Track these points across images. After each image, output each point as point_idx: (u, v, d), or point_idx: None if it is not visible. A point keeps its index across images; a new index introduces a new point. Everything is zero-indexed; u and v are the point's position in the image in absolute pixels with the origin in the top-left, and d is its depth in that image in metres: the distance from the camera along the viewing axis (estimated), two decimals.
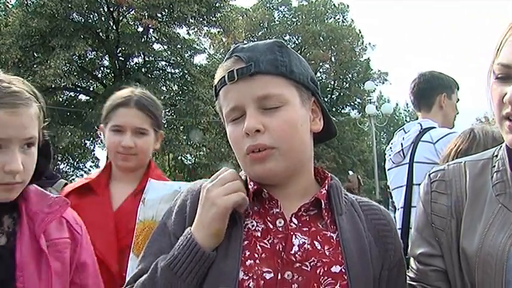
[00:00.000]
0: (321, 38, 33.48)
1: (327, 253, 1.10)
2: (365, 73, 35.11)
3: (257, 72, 1.11)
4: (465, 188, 1.15)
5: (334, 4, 35.40)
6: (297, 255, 1.08)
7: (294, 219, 1.13)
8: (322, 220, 1.14)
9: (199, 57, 43.10)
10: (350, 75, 35.83)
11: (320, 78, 33.07)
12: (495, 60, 1.08)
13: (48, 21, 20.58)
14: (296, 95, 1.15)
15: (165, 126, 23.68)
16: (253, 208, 1.14)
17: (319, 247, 1.10)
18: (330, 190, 1.17)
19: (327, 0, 35.12)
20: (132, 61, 24.57)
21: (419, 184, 1.72)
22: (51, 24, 20.72)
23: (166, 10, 22.88)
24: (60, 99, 24.23)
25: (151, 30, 23.85)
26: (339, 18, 35.77)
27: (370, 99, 32.33)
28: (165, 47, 24.52)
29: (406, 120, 50.28)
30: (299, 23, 34.52)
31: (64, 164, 25.48)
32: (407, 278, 1.21)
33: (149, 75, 23.85)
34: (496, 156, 1.16)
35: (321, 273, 1.07)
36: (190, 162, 27.39)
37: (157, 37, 24.54)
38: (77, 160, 25.57)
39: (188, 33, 24.93)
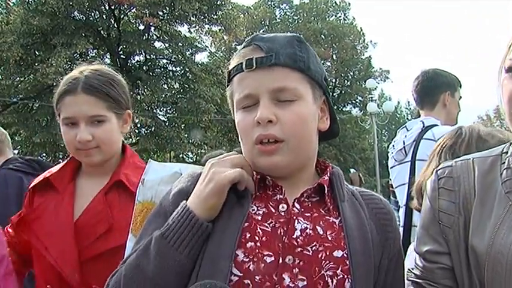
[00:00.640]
0: (322, 36, 33.43)
1: (330, 238, 1.10)
2: (366, 71, 35.07)
3: (276, 64, 1.11)
4: (474, 184, 1.13)
5: (335, 2, 35.36)
6: (298, 239, 1.08)
7: (296, 205, 1.13)
8: (324, 206, 1.14)
9: (200, 55, 42.98)
10: (351, 73, 35.79)
11: None
12: (507, 55, 1.08)
13: (49, 19, 20.58)
14: (310, 92, 1.15)
15: (167, 124, 23.70)
16: (256, 193, 1.14)
17: (321, 232, 1.10)
18: (332, 177, 1.18)
19: None
20: (134, 59, 24.58)
21: None
22: (52, 22, 20.72)
23: (167, 8, 22.86)
24: None
25: (152, 28, 23.84)
26: (340, 16, 35.72)
27: (371, 97, 32.18)
28: (167, 45, 24.51)
29: (407, 118, 50.22)
30: (300, 21, 34.48)
31: None
32: (413, 275, 1.20)
33: (150, 74, 23.84)
34: (506, 153, 1.15)
35: (322, 258, 1.07)
36: (191, 161, 27.38)
37: (158, 35, 24.53)
38: None
39: (189, 31, 24.93)
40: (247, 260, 1.05)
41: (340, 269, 1.07)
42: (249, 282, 1.03)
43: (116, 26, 23.09)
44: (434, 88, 3.05)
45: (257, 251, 1.06)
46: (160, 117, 24.59)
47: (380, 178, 20.24)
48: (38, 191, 1.77)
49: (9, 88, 21.93)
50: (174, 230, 1.05)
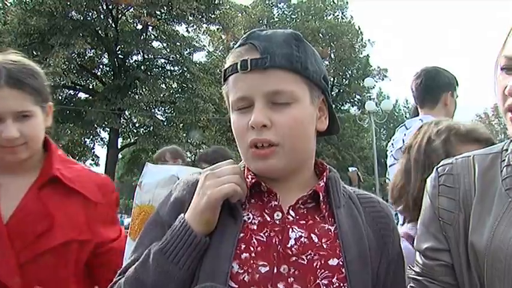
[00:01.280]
0: (320, 35, 33.42)
1: (325, 246, 1.09)
2: (364, 70, 35.09)
3: (271, 66, 1.08)
4: (474, 182, 1.13)
5: (333, 1, 35.34)
6: (293, 248, 1.07)
7: (291, 212, 1.12)
8: (320, 213, 1.12)
9: (198, 54, 42.85)
10: (349, 72, 35.80)
11: None
12: (501, 52, 1.08)
13: (47, 19, 20.56)
14: (307, 93, 1.12)
15: (165, 124, 23.68)
16: (251, 201, 1.13)
17: (316, 240, 1.09)
18: (328, 182, 1.16)
19: None
20: (131, 59, 24.55)
21: None
22: (50, 22, 20.71)
23: (165, 7, 22.85)
24: (60, 98, 24.18)
25: (150, 27, 23.83)
26: (338, 15, 35.71)
27: (369, 96, 32.31)
28: (164, 44, 24.50)
29: (405, 117, 50.17)
30: (298, 20, 34.45)
31: None
32: (413, 272, 1.20)
33: (148, 73, 23.82)
34: (506, 150, 1.15)
35: (317, 266, 1.07)
36: (190, 160, 27.38)
37: (156, 35, 24.51)
38: (77, 158, 25.42)
39: (187, 30, 24.93)
40: (241, 271, 1.05)
41: (335, 277, 1.06)
42: None
43: (113, 25, 23.06)
44: (437, 88, 3.05)
45: (252, 261, 1.06)
46: (158, 116, 24.58)
47: (378, 176, 20.25)
48: None
49: None
50: (173, 246, 1.05)
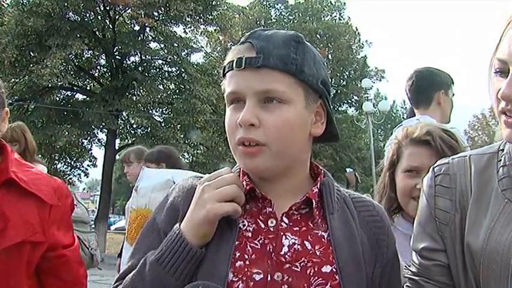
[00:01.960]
0: (317, 36, 33.45)
1: (318, 253, 1.09)
2: (362, 70, 35.09)
3: (264, 66, 1.08)
4: (470, 182, 1.14)
5: (330, 2, 35.38)
6: (286, 256, 1.08)
7: (284, 219, 1.11)
8: (313, 219, 1.12)
9: (196, 55, 42.93)
10: (347, 73, 35.82)
11: None
12: (494, 54, 1.09)
13: (44, 20, 20.51)
14: (301, 96, 1.11)
15: (162, 125, 23.66)
16: (246, 206, 1.13)
17: (309, 247, 1.09)
18: (322, 188, 1.15)
19: None
20: (129, 60, 24.52)
21: None
22: (47, 23, 20.65)
23: (162, 8, 22.82)
24: (57, 99, 24.15)
25: (147, 28, 23.79)
26: (335, 16, 35.74)
27: (367, 97, 32.23)
28: (162, 45, 24.46)
29: (403, 117, 50.09)
30: (296, 21, 34.49)
31: (61, 163, 25.39)
32: (409, 272, 1.20)
33: (146, 74, 23.79)
34: (502, 150, 1.15)
35: (311, 274, 1.07)
36: (187, 161, 27.36)
37: (153, 36, 24.49)
38: (74, 159, 25.46)
39: (185, 31, 24.88)
40: (236, 279, 1.05)
41: (329, 284, 1.06)
42: None
43: (111, 26, 23.03)
44: (429, 87, 3.05)
45: (246, 269, 1.06)
46: (156, 117, 24.56)
47: (376, 177, 20.26)
48: None
49: (4, 89, 21.82)
50: (169, 257, 1.05)
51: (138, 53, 23.80)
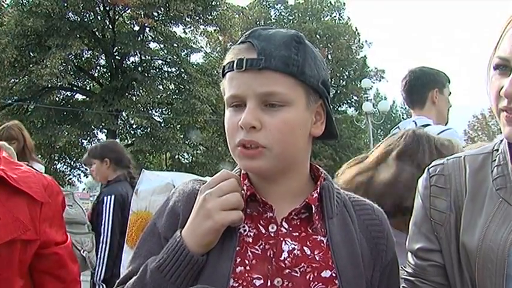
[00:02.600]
0: (317, 36, 33.47)
1: (317, 258, 1.09)
2: (362, 71, 35.12)
3: (266, 68, 1.06)
4: (465, 182, 1.14)
5: (330, 2, 35.41)
6: (286, 261, 1.07)
7: (284, 224, 1.11)
8: (313, 224, 1.12)
9: (195, 55, 42.98)
10: (347, 73, 35.85)
11: None
12: (494, 53, 1.09)
13: (44, 20, 20.55)
14: (302, 97, 1.10)
15: (162, 125, 23.68)
16: (246, 211, 1.12)
17: (308, 252, 1.09)
18: (322, 192, 1.15)
19: None
20: (129, 60, 24.56)
21: None
22: (47, 23, 20.69)
23: (162, 9, 22.86)
24: (57, 99, 24.18)
25: (147, 29, 23.83)
26: (335, 16, 35.78)
27: (367, 97, 32.23)
28: (162, 45, 24.51)
29: (403, 118, 50.20)
30: (295, 21, 34.51)
31: (61, 163, 25.42)
32: (405, 273, 1.20)
33: (146, 74, 23.82)
34: (497, 150, 1.16)
35: (311, 279, 1.07)
36: (187, 161, 27.37)
37: (153, 36, 24.53)
38: (74, 160, 25.47)
39: (184, 31, 24.94)
40: (236, 285, 1.05)
41: None
42: None
43: (110, 27, 23.06)
44: (422, 86, 3.05)
45: (246, 275, 1.06)
46: (155, 118, 24.59)
47: None
48: None
49: (4, 90, 21.86)
50: (170, 265, 1.05)
51: (138, 53, 23.84)
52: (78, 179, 26.51)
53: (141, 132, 24.01)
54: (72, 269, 1.82)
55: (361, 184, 1.70)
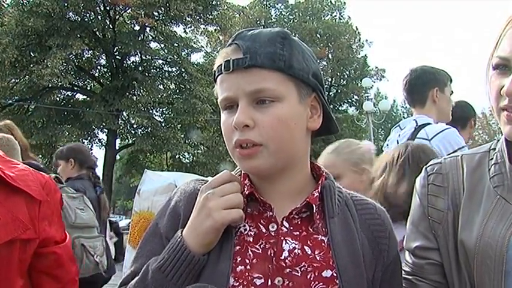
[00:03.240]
0: (317, 35, 33.48)
1: (318, 257, 1.09)
2: (362, 70, 35.11)
3: (252, 66, 1.07)
4: (462, 180, 1.15)
5: (330, 1, 35.41)
6: (287, 260, 1.07)
7: (285, 223, 1.11)
8: (313, 223, 1.12)
9: (196, 55, 43.07)
10: (347, 72, 35.84)
11: None
12: (494, 53, 1.10)
13: (44, 20, 20.56)
14: (293, 91, 1.10)
15: (163, 125, 23.69)
16: (247, 210, 1.12)
17: (309, 252, 1.09)
18: (323, 191, 1.15)
19: None
20: (129, 60, 24.58)
21: None
22: (47, 23, 20.70)
23: (162, 8, 22.87)
24: (58, 99, 24.20)
25: (148, 28, 23.85)
26: (335, 15, 35.78)
27: (367, 96, 32.23)
28: (162, 45, 24.52)
29: (403, 117, 50.15)
30: (296, 21, 34.51)
31: None
32: (403, 272, 1.20)
33: (146, 74, 23.83)
34: (494, 149, 1.17)
35: (311, 278, 1.06)
36: (188, 161, 27.39)
37: (154, 36, 24.54)
38: None
39: (185, 31, 24.96)
40: (237, 284, 1.05)
41: None
42: None
43: (111, 26, 23.08)
44: (422, 85, 3.05)
45: (247, 274, 1.06)
46: (156, 117, 24.60)
47: None
48: None
49: (5, 90, 21.89)
50: (171, 265, 1.05)
51: (138, 53, 23.86)
52: None
53: (142, 132, 24.02)
54: (70, 269, 1.81)
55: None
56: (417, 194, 1.22)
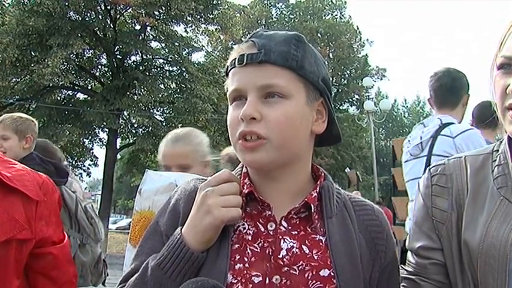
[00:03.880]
0: (318, 35, 33.46)
1: (316, 257, 1.10)
2: (363, 69, 35.10)
3: (265, 61, 1.10)
4: (466, 181, 1.16)
5: (331, 0, 35.37)
6: (285, 259, 1.09)
7: (283, 223, 1.12)
8: (312, 223, 1.13)
9: (197, 54, 43.03)
10: (348, 72, 35.82)
11: None
12: (498, 53, 1.10)
13: (45, 19, 20.54)
14: (302, 92, 1.13)
15: (164, 124, 23.68)
16: (246, 209, 1.14)
17: (307, 251, 1.10)
18: (321, 191, 1.16)
19: None
20: (130, 59, 24.55)
21: None
22: (48, 22, 20.68)
23: (163, 8, 22.85)
24: (58, 98, 24.20)
25: (148, 28, 23.81)
26: (336, 15, 35.75)
27: (368, 96, 32.28)
28: (163, 44, 24.49)
29: (404, 116, 50.25)
30: (297, 20, 34.49)
31: None
32: (405, 271, 1.21)
33: (147, 73, 23.82)
34: (497, 151, 1.18)
35: (309, 277, 1.08)
36: None
37: (154, 35, 24.51)
38: (76, 159, 25.49)
39: (186, 30, 24.90)
40: (235, 281, 1.07)
41: (326, 287, 1.08)
42: None
43: (112, 26, 23.06)
44: (460, 89, 3.14)
45: (245, 272, 1.07)
46: (157, 117, 24.58)
47: (377, 176, 20.28)
48: None
49: (6, 89, 21.88)
50: (170, 262, 1.07)
51: (139, 52, 23.82)
52: (80, 178, 26.51)
53: (143, 131, 23.99)
54: (67, 271, 1.80)
55: None
56: (421, 195, 1.22)
